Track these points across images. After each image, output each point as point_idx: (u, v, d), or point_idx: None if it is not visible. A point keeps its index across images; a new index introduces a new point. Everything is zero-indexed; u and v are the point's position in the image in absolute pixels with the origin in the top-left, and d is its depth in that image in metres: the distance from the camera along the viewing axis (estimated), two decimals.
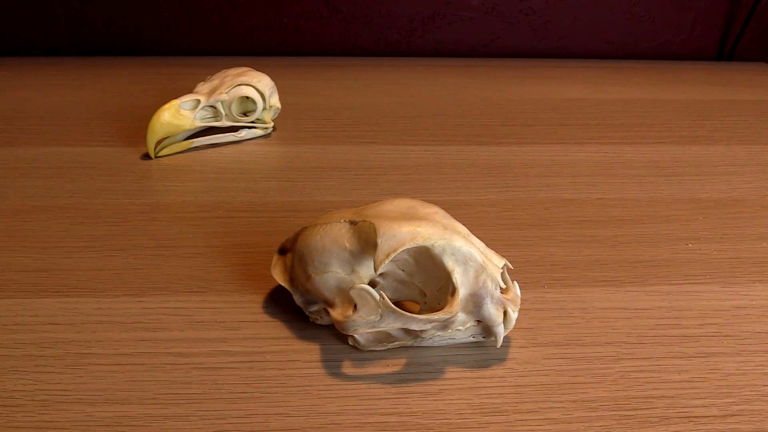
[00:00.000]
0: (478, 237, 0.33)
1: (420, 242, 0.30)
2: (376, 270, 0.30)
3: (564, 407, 0.30)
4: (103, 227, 0.43)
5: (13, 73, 0.68)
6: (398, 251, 0.29)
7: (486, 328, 0.32)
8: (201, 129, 0.53)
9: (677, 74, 0.74)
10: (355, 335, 0.32)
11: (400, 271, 0.32)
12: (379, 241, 0.30)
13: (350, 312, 0.31)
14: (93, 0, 0.71)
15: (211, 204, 0.46)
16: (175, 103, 0.50)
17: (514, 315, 0.32)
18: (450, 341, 0.33)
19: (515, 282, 0.33)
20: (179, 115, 0.50)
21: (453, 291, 0.30)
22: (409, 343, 0.32)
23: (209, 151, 0.53)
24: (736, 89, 0.71)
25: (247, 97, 0.53)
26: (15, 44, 0.74)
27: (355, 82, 0.68)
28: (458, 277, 0.30)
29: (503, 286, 0.32)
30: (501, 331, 0.31)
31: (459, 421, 0.29)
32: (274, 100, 0.55)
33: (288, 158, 0.53)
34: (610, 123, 0.61)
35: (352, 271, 0.31)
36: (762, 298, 0.38)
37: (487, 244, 0.33)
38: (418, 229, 0.30)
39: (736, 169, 0.53)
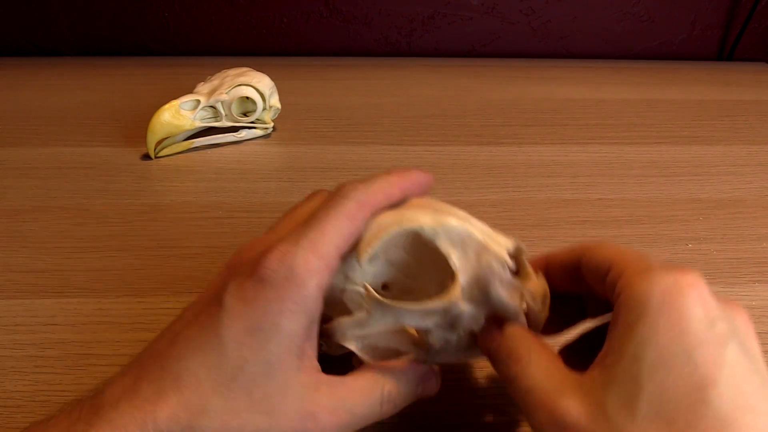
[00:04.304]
0: None
1: (406, 226, 0.26)
2: (359, 260, 0.26)
3: None
4: (103, 227, 0.43)
5: (13, 73, 0.68)
6: (383, 238, 0.26)
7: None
8: (201, 129, 0.53)
9: (677, 74, 0.74)
10: (356, 349, 0.27)
11: (403, 277, 0.28)
12: (363, 233, 0.26)
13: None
14: (93, 0, 0.71)
15: (211, 204, 0.46)
16: (175, 103, 0.50)
17: (536, 307, 0.26)
18: (468, 355, 0.28)
19: (540, 273, 0.28)
20: (179, 115, 0.50)
21: (452, 276, 0.26)
22: (422, 357, 0.27)
23: (209, 151, 0.53)
24: (736, 89, 0.71)
25: (247, 98, 0.53)
26: (15, 44, 0.74)
27: (355, 82, 0.68)
28: (456, 260, 0.26)
29: (512, 266, 0.27)
30: (524, 321, 0.26)
31: (459, 422, 0.29)
32: (274, 101, 0.55)
33: (288, 158, 0.53)
34: (610, 123, 0.61)
35: (346, 278, 0.27)
36: (762, 298, 0.38)
37: None
38: (405, 212, 0.27)
39: (736, 169, 0.53)
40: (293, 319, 0.23)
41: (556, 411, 0.21)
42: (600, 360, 0.22)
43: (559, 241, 0.43)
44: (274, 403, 0.22)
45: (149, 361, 0.23)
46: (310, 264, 0.23)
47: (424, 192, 0.29)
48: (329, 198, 0.26)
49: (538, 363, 0.23)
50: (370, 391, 0.25)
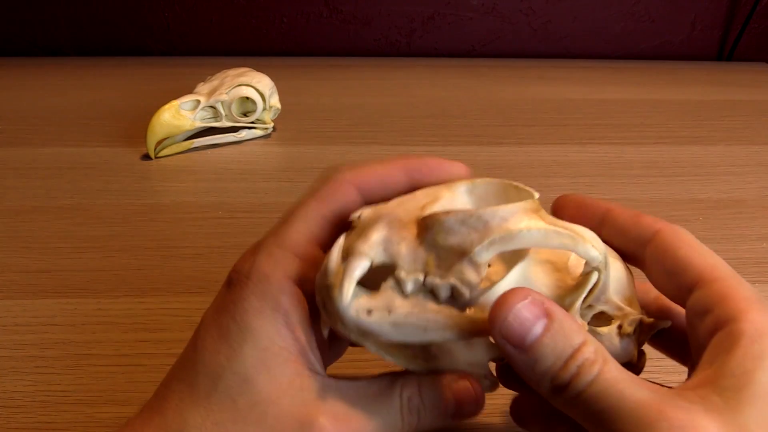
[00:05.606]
0: None
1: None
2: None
3: None
4: (103, 228, 0.43)
5: (13, 73, 0.68)
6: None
7: None
8: (201, 129, 0.53)
9: (677, 74, 0.74)
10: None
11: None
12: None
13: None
14: (93, 0, 0.71)
15: (211, 204, 0.46)
16: (175, 103, 0.50)
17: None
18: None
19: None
20: (179, 115, 0.50)
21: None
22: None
23: (209, 151, 0.53)
24: (736, 89, 0.70)
25: (247, 98, 0.53)
26: (15, 44, 0.74)
27: (355, 82, 0.68)
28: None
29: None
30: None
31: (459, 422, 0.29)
32: (274, 101, 0.55)
33: (288, 158, 0.53)
34: (610, 123, 0.61)
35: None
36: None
37: None
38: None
39: (736, 169, 0.53)
40: (263, 317, 0.21)
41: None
42: (709, 381, 0.19)
43: None
44: (265, 409, 0.20)
45: (150, 399, 0.23)
46: (274, 256, 0.22)
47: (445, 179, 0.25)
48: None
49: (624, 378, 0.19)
50: (386, 395, 0.22)
